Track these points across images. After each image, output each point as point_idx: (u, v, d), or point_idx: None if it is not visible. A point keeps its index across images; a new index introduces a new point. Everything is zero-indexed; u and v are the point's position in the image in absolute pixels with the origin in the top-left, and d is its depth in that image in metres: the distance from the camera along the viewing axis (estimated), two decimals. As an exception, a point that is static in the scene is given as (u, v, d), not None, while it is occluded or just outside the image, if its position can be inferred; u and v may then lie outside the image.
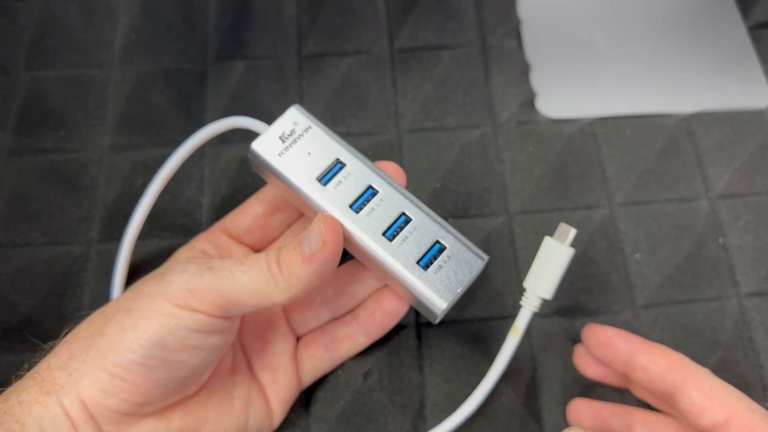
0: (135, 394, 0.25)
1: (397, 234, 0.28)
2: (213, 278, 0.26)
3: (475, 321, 0.35)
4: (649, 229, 0.37)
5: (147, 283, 0.26)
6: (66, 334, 0.27)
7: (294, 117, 0.30)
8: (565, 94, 0.41)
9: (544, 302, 0.31)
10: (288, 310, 0.33)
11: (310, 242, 0.27)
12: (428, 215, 0.29)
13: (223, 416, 0.29)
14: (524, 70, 0.42)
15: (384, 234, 0.28)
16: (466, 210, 0.37)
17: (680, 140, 0.39)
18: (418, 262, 0.28)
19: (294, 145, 0.29)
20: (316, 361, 0.32)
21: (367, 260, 0.28)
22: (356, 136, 0.39)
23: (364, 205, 0.28)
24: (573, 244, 0.28)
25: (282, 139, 0.29)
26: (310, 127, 0.30)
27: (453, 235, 0.28)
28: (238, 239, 0.33)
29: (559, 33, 0.43)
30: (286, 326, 0.33)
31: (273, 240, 0.34)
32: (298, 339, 0.33)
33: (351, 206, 0.28)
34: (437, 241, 0.28)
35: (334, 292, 0.33)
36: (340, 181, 0.29)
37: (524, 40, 0.43)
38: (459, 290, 0.27)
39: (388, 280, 0.29)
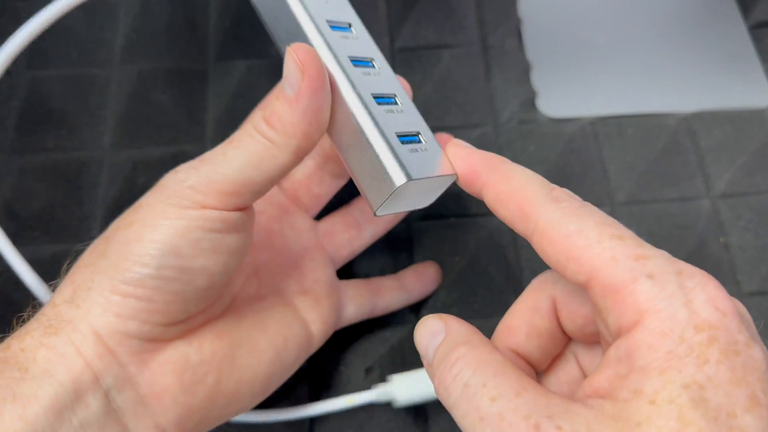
0: (153, 312, 0.23)
1: (385, 105, 0.25)
2: (210, 167, 0.24)
3: (477, 319, 0.35)
4: (650, 229, 0.37)
5: (144, 197, 0.24)
6: (68, 268, 0.24)
7: None
8: (566, 94, 0.41)
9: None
10: (328, 232, 0.33)
11: (289, 80, 0.23)
12: (417, 111, 0.26)
13: (259, 337, 0.27)
14: (525, 69, 0.42)
15: (373, 97, 0.25)
16: (466, 209, 0.37)
17: (681, 139, 0.40)
18: (396, 135, 0.24)
19: None
20: (362, 300, 0.32)
21: (343, 114, 0.25)
22: (357, 136, 0.39)
23: (363, 67, 0.26)
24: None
25: None
26: None
27: (434, 139, 0.26)
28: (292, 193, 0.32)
29: (559, 32, 0.43)
30: (322, 255, 0.32)
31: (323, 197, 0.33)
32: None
33: (351, 60, 0.25)
34: (419, 132, 0.25)
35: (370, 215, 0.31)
36: (346, 36, 0.26)
37: (525, 40, 0.43)
38: (421, 177, 0.24)
39: (350, 143, 0.25)
